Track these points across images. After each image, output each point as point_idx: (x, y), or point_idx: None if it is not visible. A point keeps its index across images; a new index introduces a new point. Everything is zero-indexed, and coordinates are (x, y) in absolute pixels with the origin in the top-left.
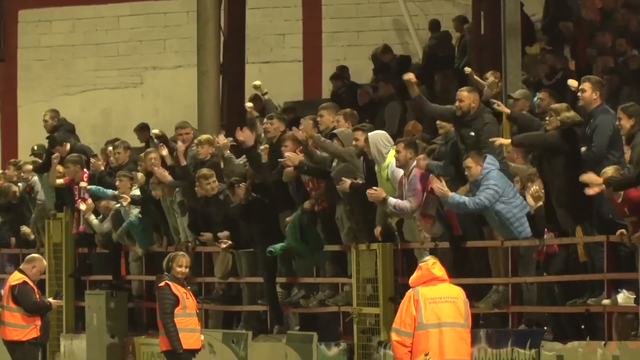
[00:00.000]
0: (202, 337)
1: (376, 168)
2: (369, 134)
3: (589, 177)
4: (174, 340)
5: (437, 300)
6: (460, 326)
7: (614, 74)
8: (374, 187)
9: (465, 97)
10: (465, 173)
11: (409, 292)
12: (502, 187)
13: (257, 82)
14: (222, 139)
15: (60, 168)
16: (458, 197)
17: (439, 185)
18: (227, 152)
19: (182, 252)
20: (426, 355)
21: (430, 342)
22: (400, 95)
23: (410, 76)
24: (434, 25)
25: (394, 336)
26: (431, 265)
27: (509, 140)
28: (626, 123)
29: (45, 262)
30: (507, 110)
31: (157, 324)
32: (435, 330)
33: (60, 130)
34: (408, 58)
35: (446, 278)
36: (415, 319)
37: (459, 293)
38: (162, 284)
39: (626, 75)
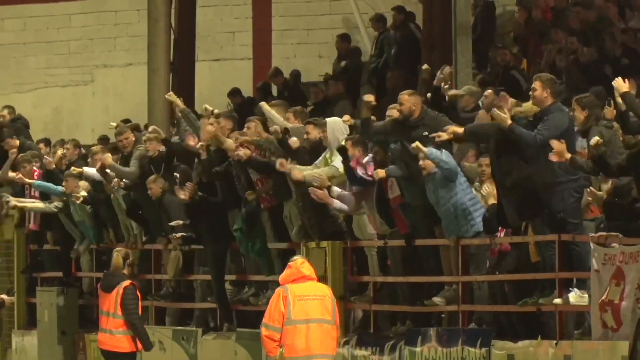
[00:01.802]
0: None
1: (327, 154)
2: (328, 119)
3: (558, 144)
4: (147, 340)
5: (305, 297)
6: (327, 322)
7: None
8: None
9: (406, 100)
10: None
11: (278, 289)
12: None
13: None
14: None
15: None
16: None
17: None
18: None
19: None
20: (281, 347)
21: (298, 337)
22: (350, 94)
23: (370, 98)
24: (380, 19)
25: (263, 331)
26: (300, 264)
27: (462, 129)
28: (580, 115)
29: None
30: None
31: (109, 322)
32: (302, 325)
33: (13, 125)
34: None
35: (314, 277)
36: (283, 315)
37: (326, 291)
38: (127, 283)
39: (578, 71)
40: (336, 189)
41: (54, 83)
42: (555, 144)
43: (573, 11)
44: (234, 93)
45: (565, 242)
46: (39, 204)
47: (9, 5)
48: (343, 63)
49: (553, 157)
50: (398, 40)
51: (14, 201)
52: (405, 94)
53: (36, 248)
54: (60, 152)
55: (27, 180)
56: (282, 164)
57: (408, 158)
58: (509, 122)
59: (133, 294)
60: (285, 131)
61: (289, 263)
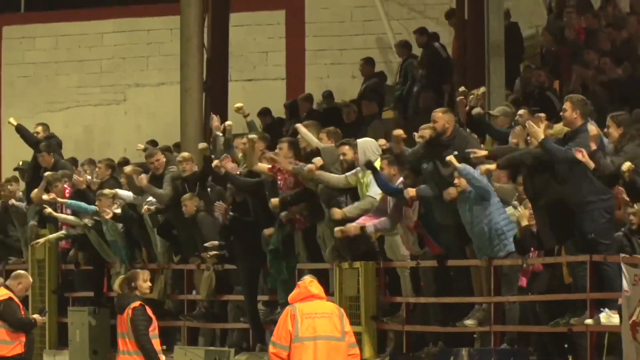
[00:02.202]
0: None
1: (360, 174)
2: (359, 140)
3: (583, 154)
4: (155, 358)
5: (313, 315)
6: (336, 339)
7: (600, 90)
8: (340, 228)
9: (440, 117)
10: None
11: (287, 308)
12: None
13: (239, 105)
14: (215, 120)
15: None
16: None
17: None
18: (218, 133)
19: (140, 269)
20: None
21: (305, 354)
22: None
23: (399, 132)
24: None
25: (270, 348)
26: (308, 283)
27: (494, 165)
28: (614, 132)
29: (31, 279)
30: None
31: (127, 344)
32: (310, 342)
33: (48, 141)
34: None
35: (323, 295)
36: (291, 333)
37: (333, 309)
38: (136, 304)
39: (612, 92)
40: (370, 226)
41: (86, 102)
42: (579, 154)
43: (605, 32)
44: (264, 113)
45: (597, 262)
46: (71, 217)
47: (41, 24)
48: (364, 86)
49: (578, 154)
50: (423, 61)
51: (49, 210)
52: (439, 111)
53: (68, 268)
54: (86, 177)
55: (60, 199)
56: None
57: (439, 178)
58: (542, 136)
59: (143, 314)
60: (316, 151)
61: (298, 282)
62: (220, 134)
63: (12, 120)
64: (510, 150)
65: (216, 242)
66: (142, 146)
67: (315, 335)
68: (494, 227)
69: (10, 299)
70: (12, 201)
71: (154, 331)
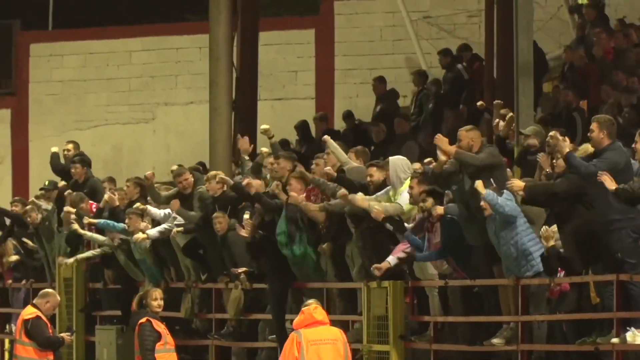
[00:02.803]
0: None
1: (390, 192)
2: (391, 158)
3: (606, 176)
4: None
5: (318, 342)
6: None
7: (630, 111)
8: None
9: (464, 136)
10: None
11: (292, 334)
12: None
13: (265, 126)
14: (243, 143)
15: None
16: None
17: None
18: (246, 157)
19: (153, 288)
20: None
21: None
22: (414, 134)
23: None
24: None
25: None
26: (313, 309)
27: (522, 191)
28: None
29: (58, 298)
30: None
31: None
32: None
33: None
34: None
35: (327, 321)
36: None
37: (337, 335)
38: (143, 320)
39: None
40: (391, 260)
41: (114, 120)
42: (604, 176)
43: (634, 52)
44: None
45: (623, 281)
46: (99, 236)
47: (70, 42)
48: (379, 107)
49: (604, 178)
50: (446, 81)
51: (76, 226)
52: (463, 130)
53: (96, 286)
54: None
55: (91, 220)
56: (343, 194)
57: (468, 198)
58: (567, 149)
59: (149, 330)
60: (341, 171)
61: (302, 309)
62: (247, 158)
63: (54, 148)
64: (546, 187)
65: (246, 269)
66: (175, 167)
67: None
68: (520, 248)
69: (38, 317)
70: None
71: (164, 346)
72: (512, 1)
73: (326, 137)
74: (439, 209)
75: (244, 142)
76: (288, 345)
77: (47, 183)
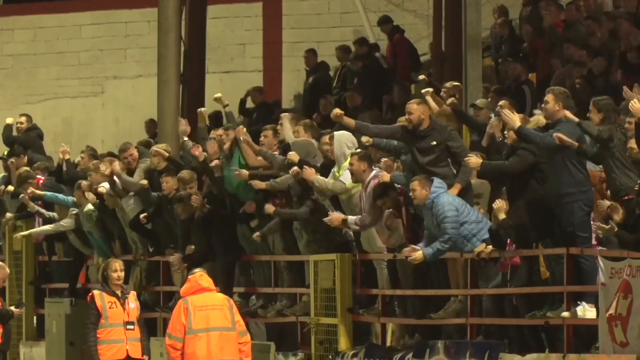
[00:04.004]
0: (128, 347)
1: (335, 168)
2: (335, 133)
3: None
4: (91, 352)
5: (205, 307)
6: (227, 330)
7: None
8: (330, 213)
9: (415, 109)
10: (410, 194)
11: (180, 301)
12: (457, 208)
13: (218, 95)
14: (182, 124)
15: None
16: (430, 250)
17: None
18: (185, 138)
19: (113, 259)
20: None
21: (199, 345)
22: (368, 105)
23: (336, 112)
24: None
25: (166, 340)
26: (198, 277)
27: (479, 166)
28: (595, 117)
29: (7, 270)
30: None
31: None
32: (203, 334)
33: (21, 139)
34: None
35: (213, 288)
36: (184, 326)
37: (223, 301)
38: (89, 295)
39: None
40: (351, 218)
41: (64, 94)
42: (559, 136)
43: (584, 24)
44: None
45: (574, 255)
46: (45, 227)
47: (19, 16)
48: (311, 79)
49: (565, 142)
50: (359, 71)
51: (19, 235)
52: (414, 103)
53: (45, 259)
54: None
55: (37, 192)
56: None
57: (417, 169)
58: (518, 123)
59: (91, 304)
60: (287, 146)
61: (189, 277)
62: (186, 139)
63: (9, 119)
64: (500, 167)
65: (178, 255)
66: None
67: (207, 327)
68: (462, 234)
69: None
70: None
71: (105, 321)
72: None
73: (284, 114)
74: (385, 176)
75: (182, 124)
76: (176, 311)
77: (5, 153)
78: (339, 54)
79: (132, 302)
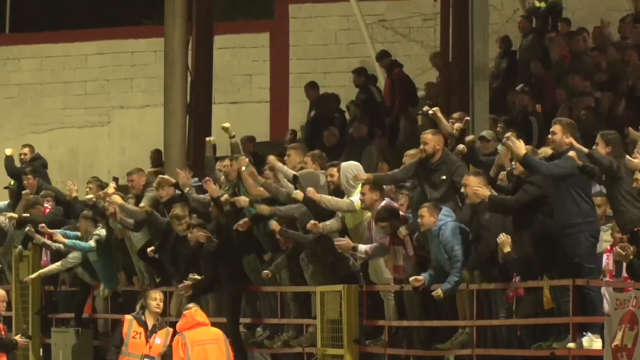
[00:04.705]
0: None
1: (344, 198)
2: (342, 164)
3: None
4: None
5: (202, 342)
6: None
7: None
8: (339, 238)
9: (430, 139)
10: (418, 220)
11: (177, 337)
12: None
13: (227, 124)
14: (182, 177)
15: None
16: (447, 285)
17: None
18: (188, 189)
19: (152, 289)
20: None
21: None
22: (372, 137)
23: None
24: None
25: None
26: (194, 312)
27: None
28: (602, 150)
29: (2, 292)
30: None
31: None
32: None
33: (33, 165)
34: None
35: (207, 322)
36: None
37: (219, 335)
38: (124, 317)
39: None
40: (361, 247)
41: (70, 124)
42: (572, 153)
43: (590, 55)
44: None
45: (580, 286)
46: (54, 267)
47: (26, 45)
48: (313, 113)
49: (572, 153)
50: (361, 102)
51: (29, 279)
52: (429, 133)
53: (51, 289)
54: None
55: (59, 239)
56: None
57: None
58: (524, 151)
59: (119, 328)
60: (295, 179)
61: (184, 312)
62: (189, 189)
63: (8, 150)
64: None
65: (189, 283)
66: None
67: None
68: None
69: None
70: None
71: (126, 348)
72: (468, 4)
73: (271, 158)
74: (403, 231)
75: (182, 176)
76: (174, 347)
77: (12, 183)
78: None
79: (160, 338)
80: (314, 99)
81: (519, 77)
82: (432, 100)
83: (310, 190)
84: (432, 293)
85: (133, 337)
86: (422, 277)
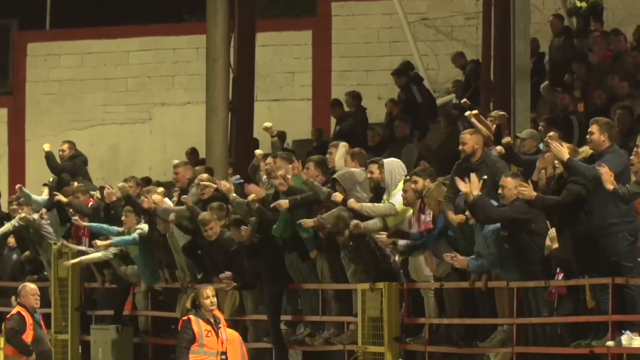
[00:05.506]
0: None
1: (385, 195)
2: (385, 160)
3: (606, 170)
4: None
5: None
6: None
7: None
8: (382, 232)
9: (468, 139)
10: (499, 192)
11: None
12: None
13: (268, 124)
14: (224, 185)
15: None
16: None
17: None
18: (232, 195)
19: (204, 285)
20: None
21: None
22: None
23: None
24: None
25: None
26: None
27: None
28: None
29: (29, 285)
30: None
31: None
32: None
33: (68, 167)
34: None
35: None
36: None
37: (235, 336)
38: (185, 317)
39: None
40: (401, 243)
41: (111, 121)
42: (604, 170)
43: (631, 55)
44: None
45: (619, 285)
46: (95, 255)
47: (67, 41)
48: (338, 128)
49: (606, 181)
50: (403, 101)
51: (69, 263)
52: (467, 133)
53: (91, 286)
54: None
55: (83, 223)
56: (336, 197)
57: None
58: (567, 155)
59: (187, 328)
60: (333, 181)
61: None
62: (235, 195)
63: (46, 146)
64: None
65: (229, 274)
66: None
67: None
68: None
69: (18, 313)
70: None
71: (199, 348)
72: (510, 4)
73: (342, 143)
74: (463, 262)
75: (227, 189)
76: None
77: (50, 180)
78: (349, 99)
79: (224, 333)
80: (339, 116)
81: (551, 77)
82: (459, 99)
83: (351, 202)
84: (455, 263)
85: (207, 336)
86: (466, 259)
